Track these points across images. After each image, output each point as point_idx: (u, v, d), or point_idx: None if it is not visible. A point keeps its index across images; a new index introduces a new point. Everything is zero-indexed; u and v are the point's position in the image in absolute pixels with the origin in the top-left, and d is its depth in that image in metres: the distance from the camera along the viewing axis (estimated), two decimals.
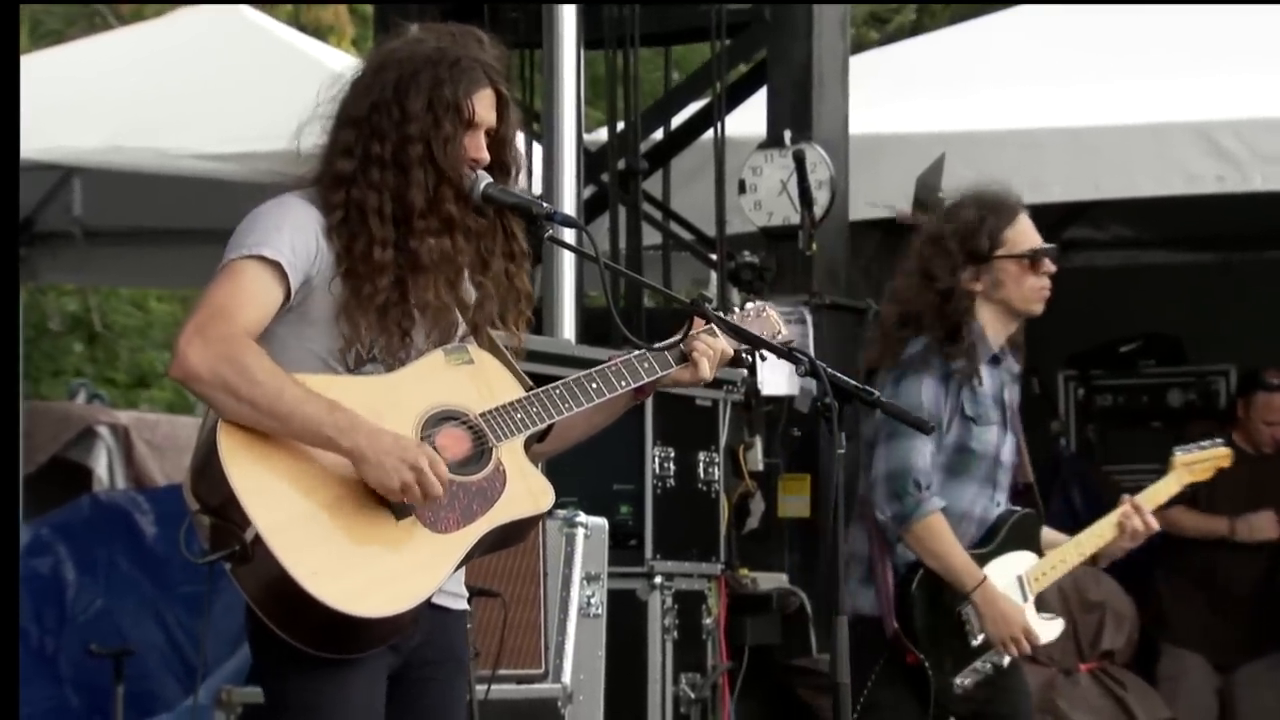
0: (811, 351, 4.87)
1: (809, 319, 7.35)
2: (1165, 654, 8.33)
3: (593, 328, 7.03)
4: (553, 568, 5.61)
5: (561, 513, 5.75)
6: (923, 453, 5.30)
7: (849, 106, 7.69)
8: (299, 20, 14.27)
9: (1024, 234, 5.49)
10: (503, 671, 5.21)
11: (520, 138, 3.90)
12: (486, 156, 3.80)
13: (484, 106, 3.79)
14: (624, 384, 3.87)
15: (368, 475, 3.60)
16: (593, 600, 5.79)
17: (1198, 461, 5.75)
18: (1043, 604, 5.55)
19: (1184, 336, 9.73)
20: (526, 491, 3.76)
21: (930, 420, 4.70)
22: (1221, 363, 9.54)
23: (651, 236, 7.94)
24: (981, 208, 5.48)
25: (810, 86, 7.53)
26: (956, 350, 5.36)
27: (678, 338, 3.93)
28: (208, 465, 3.60)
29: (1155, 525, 5.56)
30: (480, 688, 4.99)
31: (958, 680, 5.37)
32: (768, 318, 4.11)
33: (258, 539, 3.54)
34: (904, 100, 8.58)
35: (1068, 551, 5.54)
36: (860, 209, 7.89)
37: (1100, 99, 8.24)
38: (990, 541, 5.45)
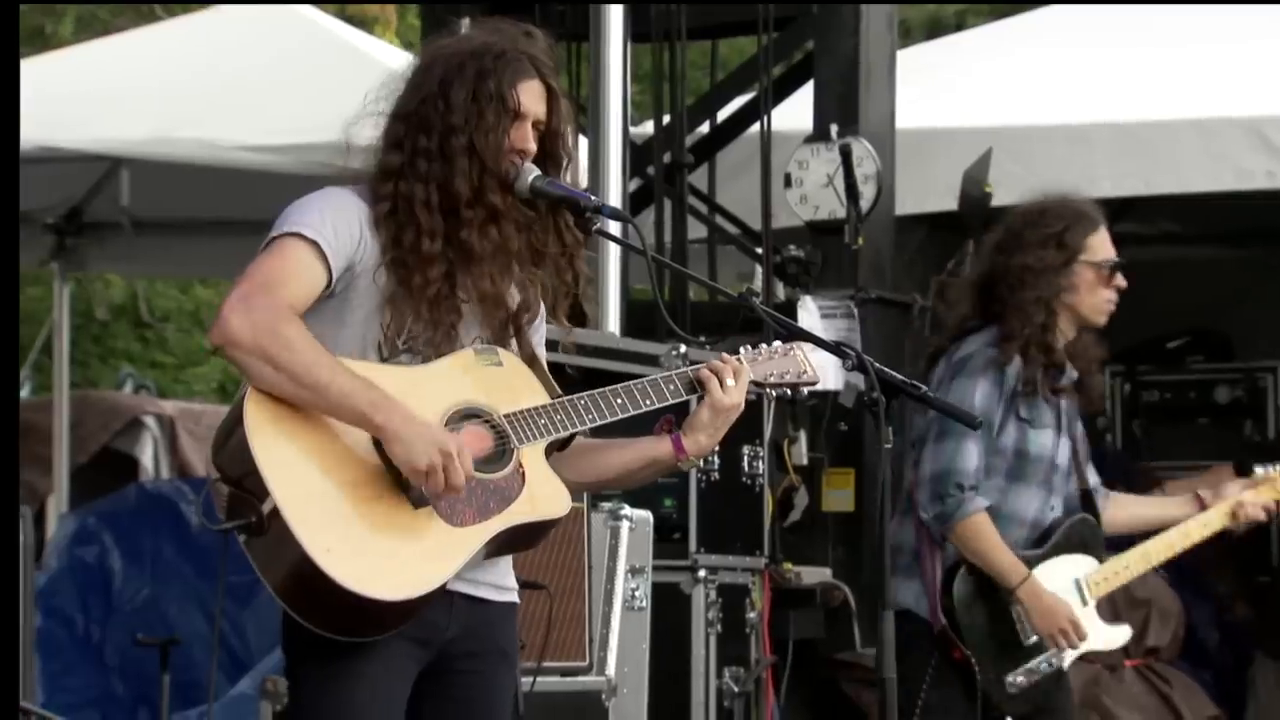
0: (858, 346, 4.85)
1: (855, 313, 7.34)
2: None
3: (637, 321, 7.02)
4: (597, 560, 5.61)
5: (606, 505, 5.76)
6: (969, 453, 5.30)
7: (896, 101, 7.66)
8: (345, 11, 14.30)
9: (1104, 244, 5.49)
10: (547, 664, 5.21)
11: (570, 130, 3.91)
12: (533, 147, 3.80)
13: (530, 97, 3.80)
14: (648, 402, 3.86)
15: (396, 454, 3.61)
16: (637, 593, 5.79)
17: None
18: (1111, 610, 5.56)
19: (1232, 333, 9.68)
20: (544, 496, 3.77)
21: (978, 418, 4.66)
22: (1269, 359, 9.49)
23: (697, 230, 7.93)
24: (1066, 212, 5.49)
25: (857, 80, 7.51)
26: (1037, 354, 5.35)
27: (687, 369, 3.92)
28: (233, 435, 3.62)
29: (1262, 515, 5.64)
30: (525, 680, 5.00)
31: (1010, 679, 5.36)
32: (794, 356, 4.05)
33: (275, 511, 3.56)
34: (951, 94, 8.55)
35: (1132, 558, 5.55)
36: (906, 204, 7.87)
37: (1150, 94, 8.20)
38: (1042, 544, 5.44)
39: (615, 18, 7.13)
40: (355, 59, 9.08)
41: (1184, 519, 5.62)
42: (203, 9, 11.50)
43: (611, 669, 5.59)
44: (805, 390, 4.09)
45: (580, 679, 5.49)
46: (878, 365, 3.97)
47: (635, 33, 7.42)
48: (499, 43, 3.81)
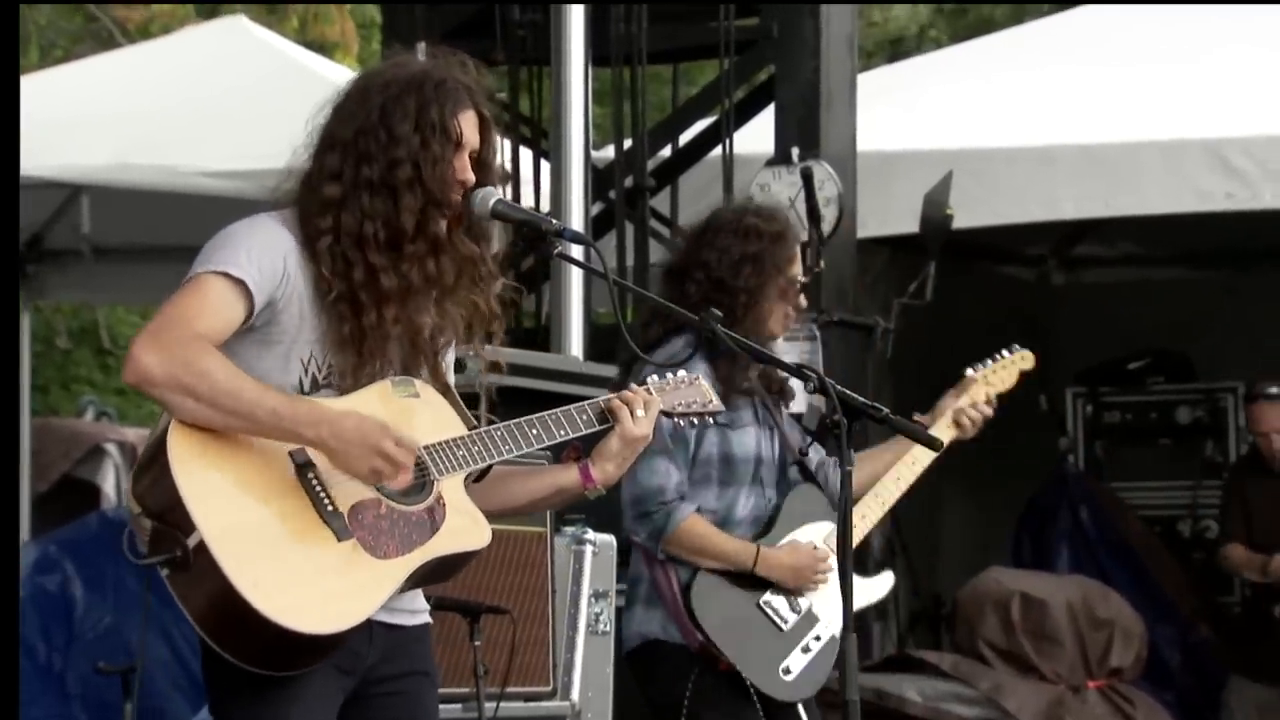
0: (820, 368, 4.84)
1: (817, 336, 7.34)
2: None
3: (600, 345, 7.02)
4: (561, 585, 5.60)
5: (570, 530, 5.75)
6: (659, 471, 5.20)
7: (857, 123, 7.68)
8: (305, 37, 14.31)
9: (797, 262, 5.44)
10: (511, 689, 5.20)
11: (496, 161, 3.88)
12: (473, 178, 3.78)
13: (469, 127, 3.77)
14: (563, 433, 3.86)
15: (336, 465, 3.62)
16: (601, 617, 5.78)
17: (994, 372, 5.67)
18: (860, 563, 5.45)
19: (1192, 353, 9.72)
20: (465, 527, 3.76)
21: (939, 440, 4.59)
22: (1230, 380, 9.53)
23: (659, 254, 7.93)
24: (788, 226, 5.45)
25: (818, 103, 7.52)
26: (729, 357, 5.20)
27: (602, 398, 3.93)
28: (155, 468, 3.57)
29: (989, 411, 5.55)
30: (489, 705, 4.99)
31: (784, 666, 5.29)
32: (699, 385, 4.09)
33: (201, 546, 3.51)
34: (912, 117, 8.58)
35: (867, 506, 5.46)
36: (868, 226, 7.89)
37: (1111, 115, 8.24)
38: (767, 532, 5.33)
39: (576, 41, 7.14)
40: (316, 84, 9.05)
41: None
42: (163, 28, 11.49)
43: (576, 694, 5.58)
44: (711, 420, 4.12)
45: (544, 704, 5.48)
46: (839, 388, 3.97)
47: (596, 56, 7.43)
48: (436, 72, 3.77)
